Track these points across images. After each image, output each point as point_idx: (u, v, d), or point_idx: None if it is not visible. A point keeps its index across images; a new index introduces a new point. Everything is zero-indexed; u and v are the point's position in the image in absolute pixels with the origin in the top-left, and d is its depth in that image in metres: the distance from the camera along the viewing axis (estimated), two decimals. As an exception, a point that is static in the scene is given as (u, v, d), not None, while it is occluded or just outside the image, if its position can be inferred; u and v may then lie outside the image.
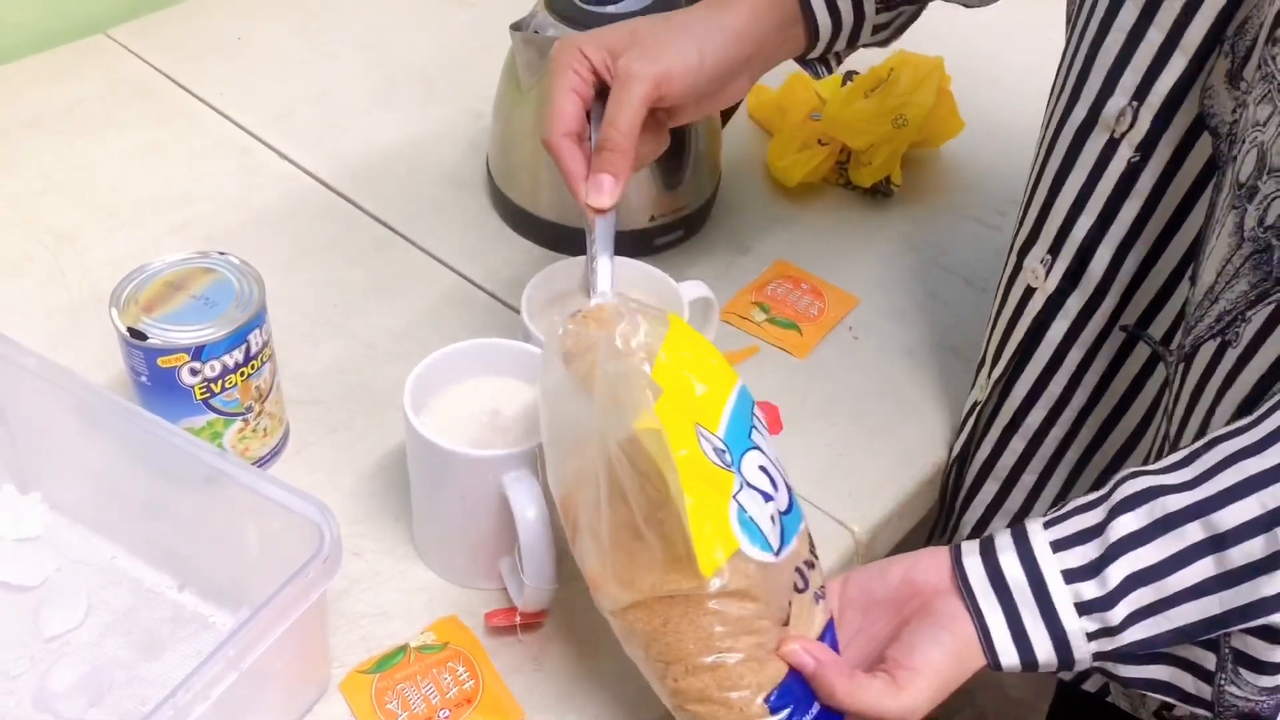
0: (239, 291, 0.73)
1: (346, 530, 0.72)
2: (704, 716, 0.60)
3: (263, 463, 0.78)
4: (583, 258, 0.78)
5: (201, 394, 0.72)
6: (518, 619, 0.71)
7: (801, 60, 0.82)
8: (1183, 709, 0.65)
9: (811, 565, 0.63)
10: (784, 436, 0.85)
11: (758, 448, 0.63)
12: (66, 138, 1.03)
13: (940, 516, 0.89)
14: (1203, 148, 0.66)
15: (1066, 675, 0.81)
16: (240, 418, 0.75)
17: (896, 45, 0.89)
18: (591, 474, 0.61)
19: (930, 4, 0.84)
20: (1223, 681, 0.62)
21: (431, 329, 0.89)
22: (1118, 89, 0.67)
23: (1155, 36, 0.65)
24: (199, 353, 0.71)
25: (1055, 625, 0.60)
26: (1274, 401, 0.59)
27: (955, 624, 0.61)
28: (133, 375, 0.72)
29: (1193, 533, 0.58)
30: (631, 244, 0.91)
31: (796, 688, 0.60)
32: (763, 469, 0.62)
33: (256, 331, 0.73)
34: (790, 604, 0.61)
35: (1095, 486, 0.63)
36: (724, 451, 0.60)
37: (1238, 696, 0.62)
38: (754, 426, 0.63)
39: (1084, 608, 0.60)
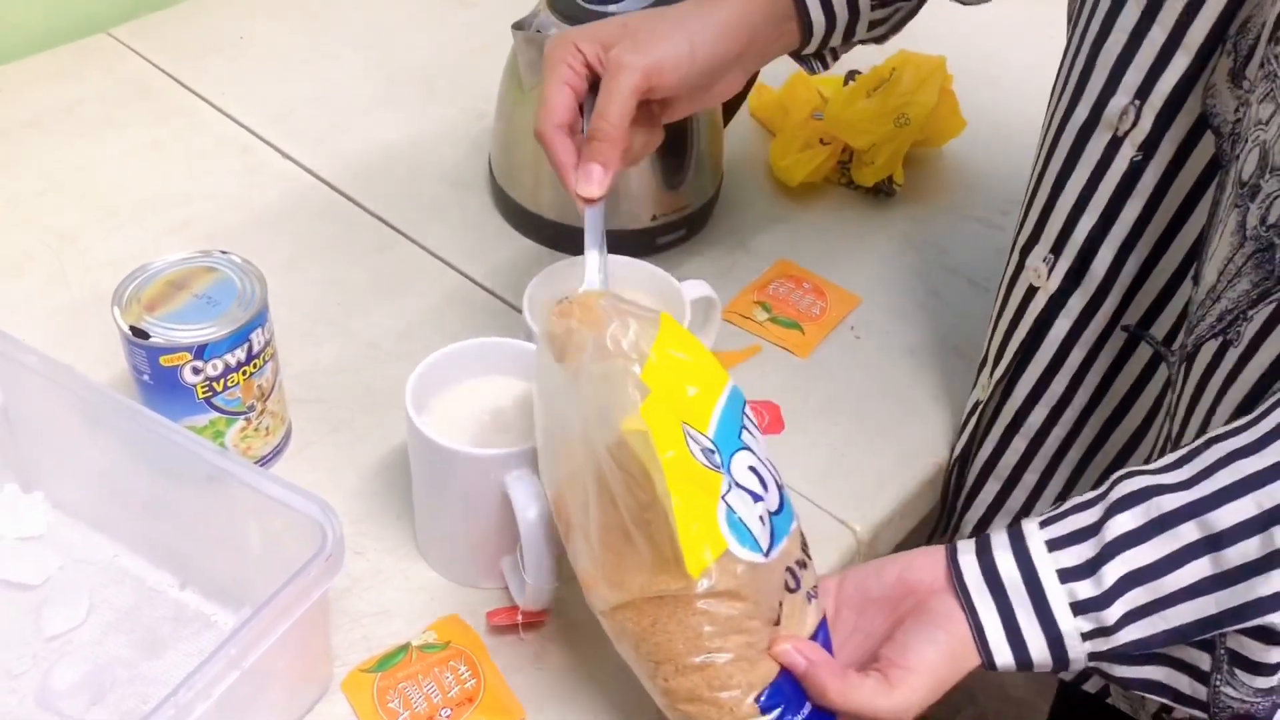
0: (241, 290, 0.73)
1: (348, 529, 0.72)
2: (695, 716, 0.60)
3: (265, 462, 0.78)
4: (582, 257, 0.78)
5: (204, 393, 0.72)
6: (519, 618, 0.71)
7: (797, 56, 0.82)
8: (1181, 711, 0.65)
9: (804, 565, 0.63)
10: (786, 436, 0.85)
11: (748, 448, 0.62)
12: (68, 137, 1.03)
13: (942, 516, 0.89)
14: (1205, 147, 0.66)
15: (1067, 676, 0.81)
16: (242, 416, 0.75)
17: (898, 44, 0.89)
18: (579, 472, 0.61)
19: (928, 1, 0.84)
20: (1218, 682, 0.62)
21: (433, 328, 0.89)
22: (1120, 88, 0.67)
23: (1158, 35, 0.65)
24: (201, 351, 0.71)
25: (1050, 625, 0.60)
26: (1272, 401, 0.59)
27: (950, 623, 0.61)
28: (135, 374, 0.72)
29: (1188, 532, 0.58)
30: (633, 243, 0.91)
31: (788, 687, 0.60)
32: (752, 469, 0.62)
33: (258, 330, 0.73)
34: (781, 604, 0.61)
35: (1097, 487, 0.63)
36: (713, 452, 0.60)
37: (1233, 698, 0.62)
38: (744, 427, 0.63)
39: (1079, 607, 0.59)
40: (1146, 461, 0.72)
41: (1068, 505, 0.62)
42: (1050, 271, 0.74)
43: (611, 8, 0.86)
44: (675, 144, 0.93)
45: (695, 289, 0.82)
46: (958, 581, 0.61)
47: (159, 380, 0.71)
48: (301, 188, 1.01)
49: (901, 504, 0.83)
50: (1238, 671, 0.61)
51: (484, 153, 1.03)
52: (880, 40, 0.85)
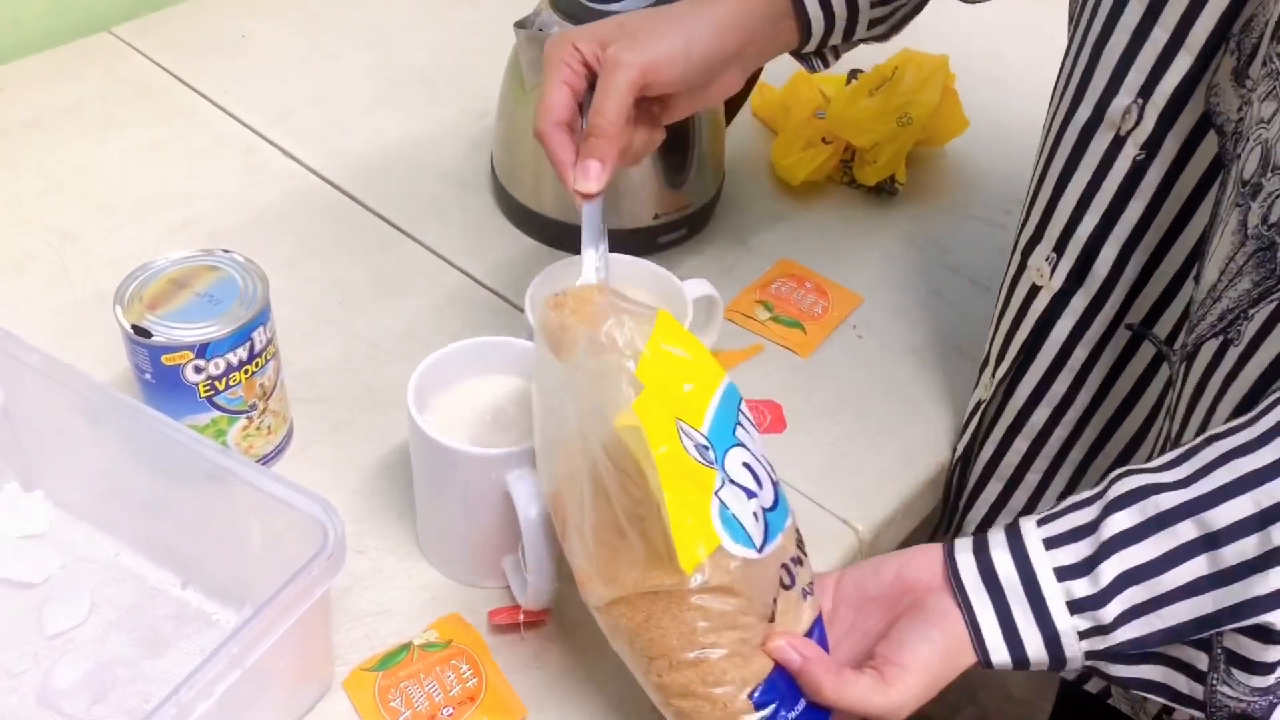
0: (243, 289, 0.73)
1: (350, 528, 0.72)
2: (689, 712, 0.60)
3: (266, 460, 0.78)
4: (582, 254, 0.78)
5: (205, 391, 0.72)
6: (521, 617, 0.71)
7: (797, 55, 0.82)
8: (1181, 712, 0.64)
9: (799, 562, 0.63)
10: (788, 435, 0.85)
11: (742, 445, 0.62)
12: (69, 136, 1.03)
13: (944, 516, 0.89)
14: (1208, 146, 0.66)
15: (1069, 676, 0.81)
16: (244, 415, 0.75)
17: (900, 43, 0.89)
18: (575, 469, 0.61)
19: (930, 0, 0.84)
20: (1215, 682, 0.62)
21: (435, 327, 0.89)
22: (1123, 87, 0.67)
23: (1160, 35, 0.65)
24: (203, 350, 0.71)
25: (1046, 623, 0.60)
26: (1271, 400, 0.59)
27: (945, 621, 0.61)
28: (137, 373, 0.72)
29: (1185, 531, 0.58)
30: (635, 242, 0.91)
31: (782, 684, 0.60)
32: (746, 466, 0.62)
33: (260, 329, 0.73)
34: (776, 600, 0.61)
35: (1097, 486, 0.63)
36: (707, 448, 0.60)
37: (1230, 697, 0.62)
38: (739, 423, 0.63)
39: (1075, 606, 0.59)
40: (1148, 461, 0.72)
41: (1065, 504, 0.62)
42: (1053, 271, 0.74)
43: (613, 6, 0.86)
44: (677, 143, 0.93)
45: (697, 288, 0.82)
46: (954, 579, 0.61)
47: (161, 379, 0.71)
48: (303, 186, 1.01)
49: (903, 503, 0.83)
50: (1235, 671, 0.61)
51: (485, 151, 1.02)
52: (882, 39, 0.85)
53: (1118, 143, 0.69)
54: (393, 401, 0.79)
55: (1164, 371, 0.73)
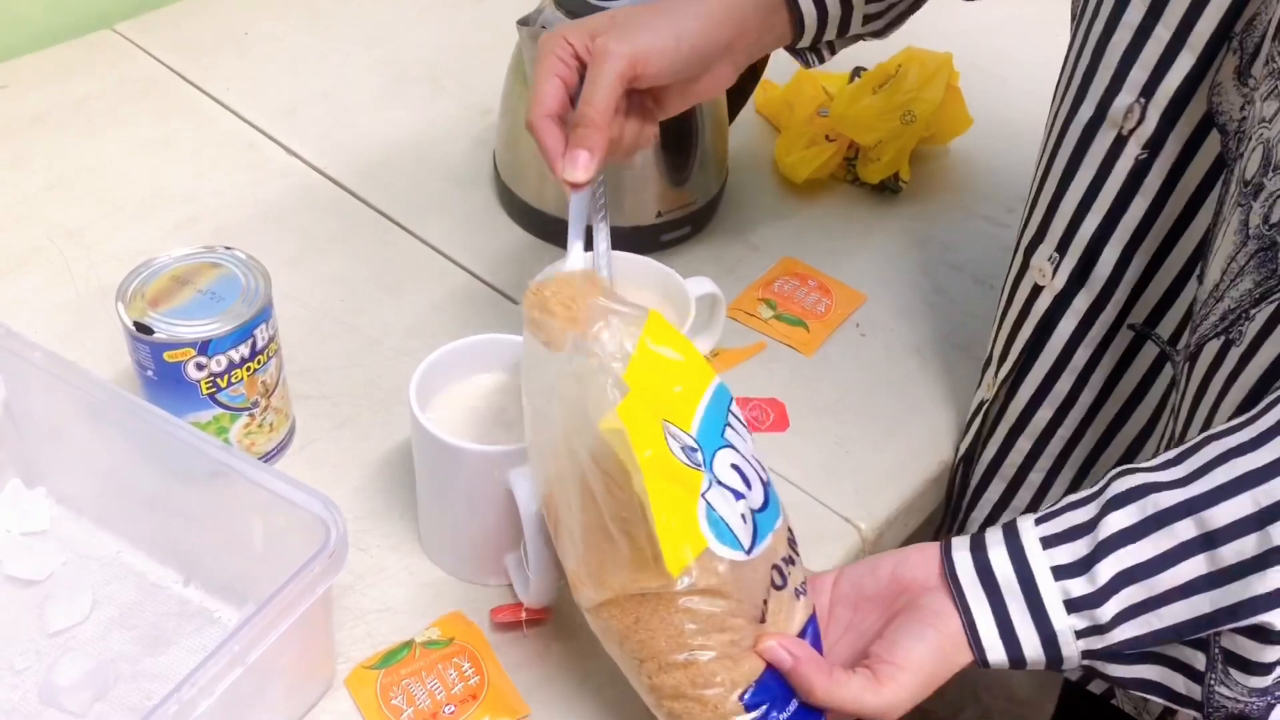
0: (245, 286, 0.73)
1: (352, 525, 0.72)
2: (680, 713, 0.60)
3: (268, 458, 0.78)
4: (588, 253, 0.78)
5: (208, 389, 0.72)
6: (523, 615, 0.71)
7: (792, 50, 0.82)
8: (1183, 715, 0.64)
9: (791, 561, 0.63)
10: (790, 433, 0.85)
11: (731, 446, 0.62)
12: (73, 133, 1.03)
13: (946, 515, 0.88)
14: (1211, 145, 0.66)
15: (1069, 675, 0.80)
16: (246, 413, 0.75)
17: (904, 41, 0.89)
18: (564, 472, 0.61)
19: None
20: (1213, 682, 0.61)
21: (437, 324, 0.89)
22: (1125, 86, 0.67)
23: (1163, 33, 0.65)
24: (205, 347, 0.71)
25: (1044, 622, 0.60)
26: (1271, 399, 0.59)
27: (940, 620, 0.61)
28: (139, 370, 0.72)
29: (1184, 530, 0.58)
30: (638, 240, 0.91)
31: (773, 685, 0.60)
32: (735, 467, 0.62)
33: (263, 326, 0.73)
34: (767, 601, 0.61)
35: None
36: (695, 450, 0.60)
37: (1228, 697, 0.62)
38: (729, 424, 0.63)
39: (1073, 605, 0.59)
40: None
41: (1063, 502, 0.62)
42: (1055, 270, 0.74)
43: (614, 3, 0.86)
44: (680, 140, 0.93)
45: (700, 286, 0.82)
46: (951, 578, 0.61)
47: (163, 376, 0.71)
48: (306, 184, 1.01)
49: (906, 502, 0.83)
50: (1232, 671, 0.61)
51: (489, 149, 1.03)
52: (879, 35, 0.85)
53: (1120, 142, 0.68)
54: (395, 399, 0.79)
55: (1167, 371, 0.73)
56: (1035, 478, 0.82)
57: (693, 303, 0.80)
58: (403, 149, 1.04)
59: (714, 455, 0.61)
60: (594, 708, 0.69)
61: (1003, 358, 0.80)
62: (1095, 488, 0.61)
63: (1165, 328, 0.72)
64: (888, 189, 1.04)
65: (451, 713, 0.67)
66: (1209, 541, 0.57)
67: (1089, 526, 0.59)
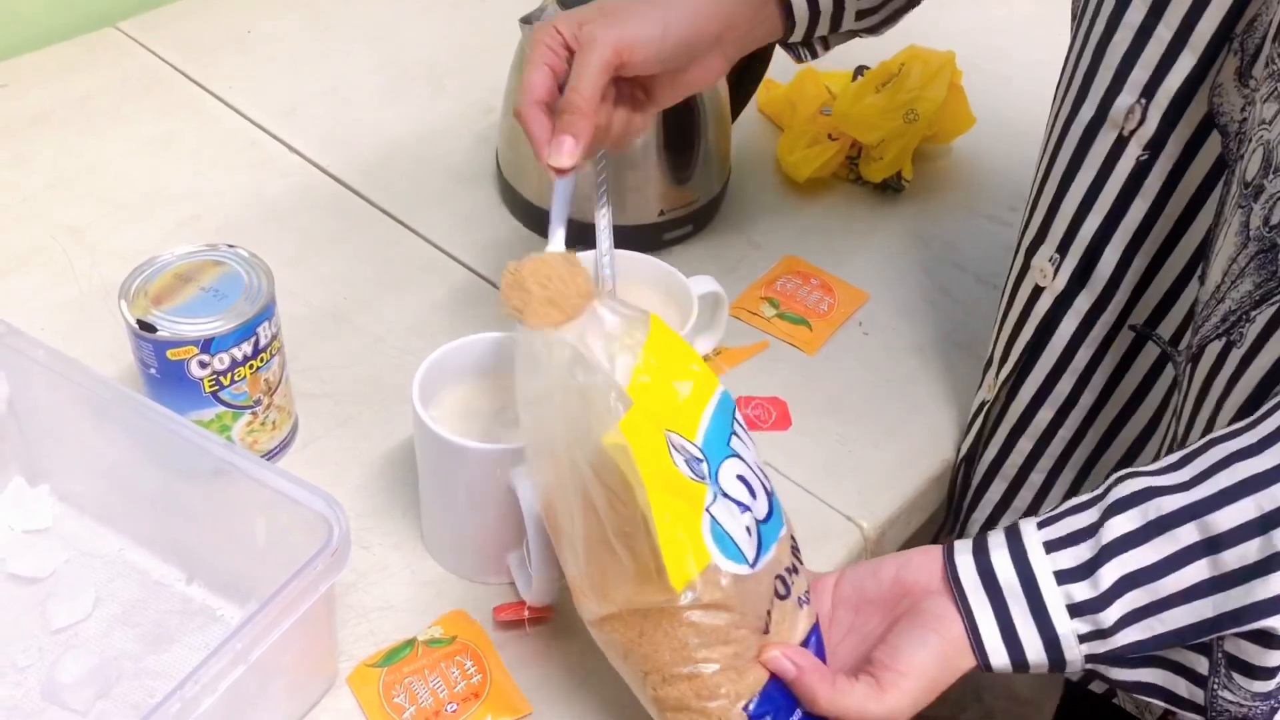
0: (248, 284, 0.73)
1: (354, 524, 0.72)
2: None
3: (271, 456, 0.78)
4: (590, 252, 0.78)
5: (210, 387, 0.72)
6: (525, 613, 0.71)
7: (784, 44, 0.82)
8: (1184, 718, 0.64)
9: (794, 570, 0.63)
10: (792, 432, 0.85)
11: (737, 455, 0.62)
12: (76, 131, 1.03)
13: (948, 516, 0.88)
14: (1212, 146, 0.65)
15: (1071, 676, 0.80)
16: (249, 411, 0.75)
17: (907, 39, 0.89)
18: (564, 482, 0.60)
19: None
20: (1216, 686, 0.61)
21: (440, 323, 0.89)
22: (1126, 87, 0.67)
23: (1164, 34, 0.65)
24: (208, 345, 0.71)
25: (1046, 626, 0.60)
26: (1273, 403, 0.58)
27: (942, 625, 0.61)
28: (142, 368, 0.73)
29: (1187, 535, 0.57)
30: (641, 238, 0.91)
31: (778, 695, 0.60)
32: (740, 478, 0.61)
33: (265, 324, 0.73)
34: (770, 611, 0.61)
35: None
36: (700, 461, 0.60)
37: (1231, 701, 0.62)
38: (734, 433, 0.63)
39: (1076, 609, 0.59)
40: (1151, 462, 0.71)
41: (1065, 506, 0.61)
42: (1056, 271, 0.74)
43: (618, 1, 0.86)
44: (683, 139, 0.93)
45: (703, 284, 0.82)
46: (954, 581, 0.61)
47: (166, 374, 0.71)
48: (309, 182, 1.01)
49: (908, 501, 0.83)
50: (1235, 675, 0.61)
51: (491, 147, 1.03)
52: (874, 31, 0.85)
53: (1121, 143, 0.68)
54: (397, 397, 0.79)
55: (1168, 372, 0.73)
56: (1036, 478, 0.81)
57: (695, 301, 0.80)
58: (405, 147, 1.04)
59: (719, 465, 0.61)
60: (596, 706, 0.69)
61: (1004, 359, 0.80)
62: (1097, 491, 0.61)
63: (1166, 328, 0.71)
64: (890, 188, 1.04)
65: (454, 711, 0.67)
66: (1212, 546, 0.57)
67: (1091, 530, 0.59)
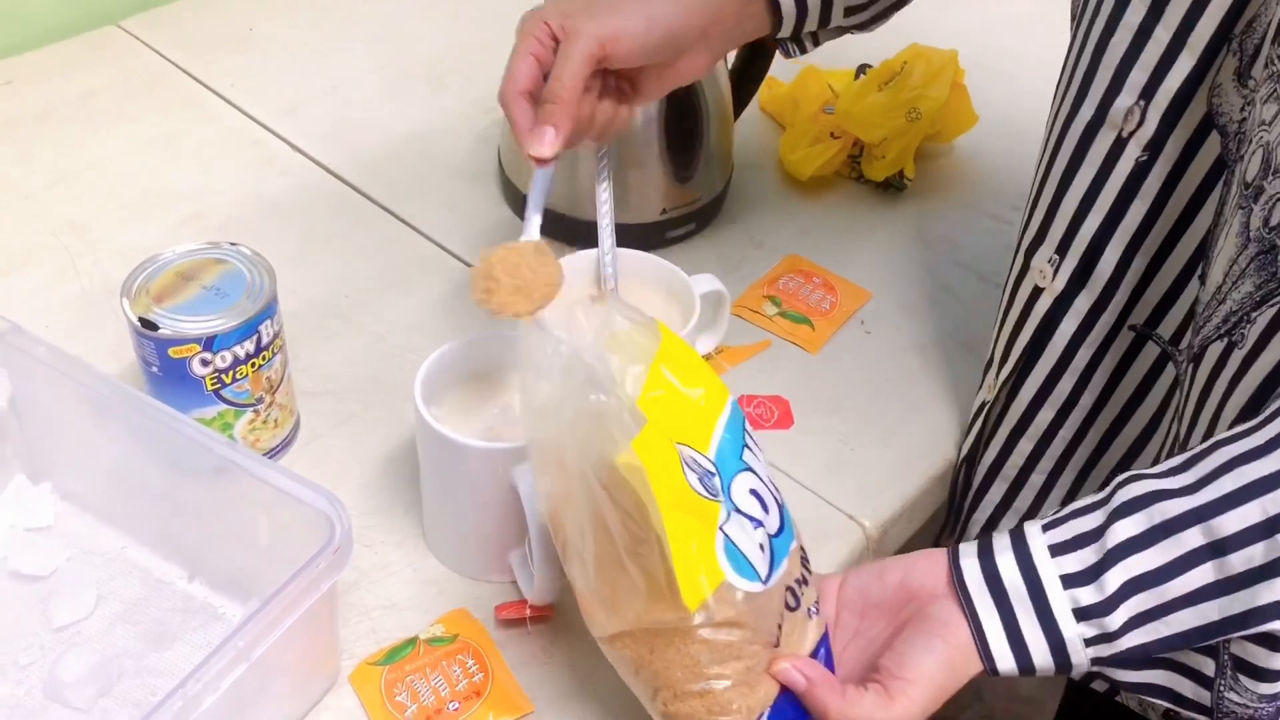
0: (250, 282, 0.73)
1: (356, 522, 0.72)
2: None
3: (273, 454, 0.78)
4: (592, 251, 0.78)
5: (212, 385, 0.72)
6: (527, 612, 0.71)
7: (772, 39, 0.82)
8: (1187, 715, 0.64)
9: (804, 581, 0.62)
10: (795, 430, 0.85)
11: (750, 469, 0.61)
12: (78, 129, 1.03)
13: (949, 516, 0.88)
14: (1211, 147, 0.65)
15: (1076, 676, 0.80)
16: (251, 409, 0.75)
17: (909, 38, 0.88)
18: (573, 496, 0.60)
19: None
20: (1221, 688, 0.61)
21: (442, 321, 0.89)
22: (1125, 87, 0.67)
23: (1163, 35, 0.65)
24: (210, 343, 0.71)
25: (1053, 630, 0.59)
26: (1277, 405, 0.58)
27: (949, 630, 0.60)
28: (144, 366, 0.73)
29: (1192, 538, 0.57)
30: (643, 237, 0.91)
31: (788, 708, 0.60)
32: (754, 492, 0.61)
33: (267, 322, 0.73)
34: (780, 624, 0.60)
35: (1104, 487, 0.62)
36: (713, 475, 0.59)
37: (1237, 703, 0.62)
38: (746, 445, 0.62)
39: (1082, 613, 0.59)
40: (1154, 462, 0.71)
41: (1070, 509, 0.61)
42: (1055, 272, 0.74)
43: None
44: (685, 137, 0.93)
45: (705, 283, 0.82)
46: (959, 585, 0.61)
47: (168, 372, 0.71)
48: (311, 180, 1.01)
49: (910, 500, 0.83)
50: (1241, 677, 0.61)
51: (493, 145, 1.02)
52: (864, 28, 0.85)
53: (1120, 143, 0.68)
54: (399, 395, 0.79)
55: (1168, 372, 0.73)
56: (1037, 479, 0.81)
57: (697, 300, 0.80)
58: (407, 145, 1.04)
59: (732, 479, 0.60)
60: (597, 705, 0.69)
61: (1004, 359, 0.80)
62: (1102, 494, 0.61)
63: (1166, 328, 0.71)
64: (892, 186, 1.04)
65: (455, 709, 0.67)
66: (1217, 550, 0.57)
67: (1097, 534, 0.59)
